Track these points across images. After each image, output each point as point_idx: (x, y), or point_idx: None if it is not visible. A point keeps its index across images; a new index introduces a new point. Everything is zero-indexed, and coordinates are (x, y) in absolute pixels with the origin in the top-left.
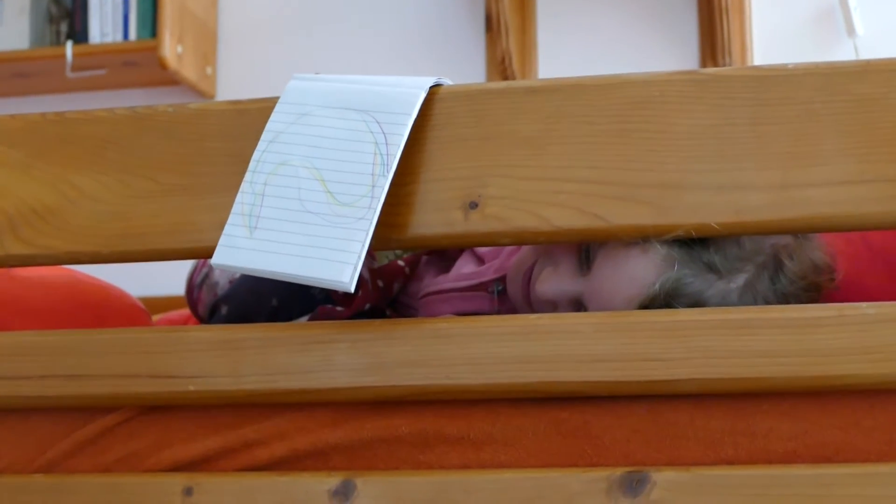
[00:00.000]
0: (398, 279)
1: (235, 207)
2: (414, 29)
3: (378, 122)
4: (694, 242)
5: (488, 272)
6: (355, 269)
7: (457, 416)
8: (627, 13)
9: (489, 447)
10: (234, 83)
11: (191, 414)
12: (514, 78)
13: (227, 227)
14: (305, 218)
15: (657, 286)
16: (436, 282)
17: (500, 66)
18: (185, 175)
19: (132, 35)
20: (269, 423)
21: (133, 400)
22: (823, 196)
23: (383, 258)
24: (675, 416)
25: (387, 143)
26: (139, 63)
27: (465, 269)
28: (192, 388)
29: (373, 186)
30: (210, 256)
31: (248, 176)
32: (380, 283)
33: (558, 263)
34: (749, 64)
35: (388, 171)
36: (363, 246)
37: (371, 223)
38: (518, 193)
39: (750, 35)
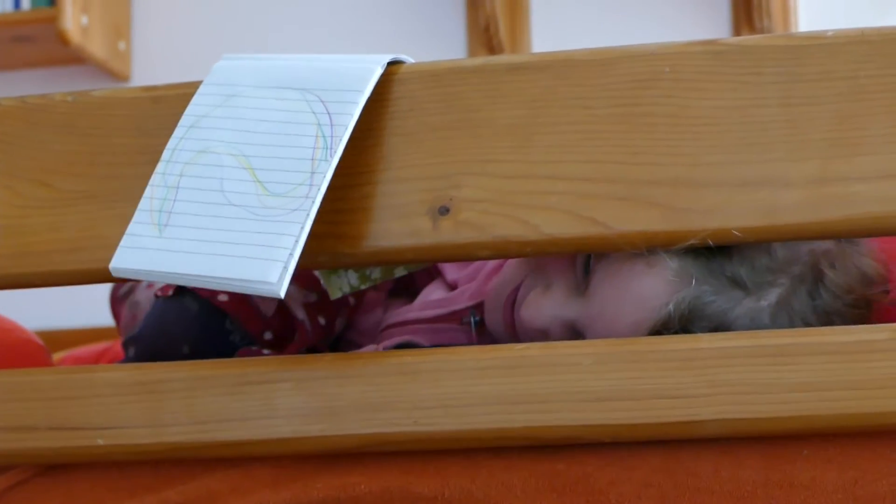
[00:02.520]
0: (342, 313)
1: (143, 203)
2: None
3: (322, 102)
4: (713, 252)
5: (461, 298)
6: (285, 268)
7: (428, 472)
8: None
9: None
10: (153, 62)
11: (101, 474)
12: (500, 49)
13: (130, 225)
14: (228, 212)
15: (670, 307)
16: (397, 313)
17: (483, 34)
18: (90, 179)
19: (25, 3)
20: (197, 483)
21: (29, 458)
22: (870, 192)
23: (336, 289)
24: (695, 465)
25: (332, 124)
26: (34, 38)
27: (433, 296)
28: (101, 441)
29: (312, 173)
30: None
31: (160, 167)
32: (321, 321)
33: (549, 283)
34: (794, 25)
35: (331, 156)
36: (297, 241)
37: (309, 214)
38: (498, 195)
39: None
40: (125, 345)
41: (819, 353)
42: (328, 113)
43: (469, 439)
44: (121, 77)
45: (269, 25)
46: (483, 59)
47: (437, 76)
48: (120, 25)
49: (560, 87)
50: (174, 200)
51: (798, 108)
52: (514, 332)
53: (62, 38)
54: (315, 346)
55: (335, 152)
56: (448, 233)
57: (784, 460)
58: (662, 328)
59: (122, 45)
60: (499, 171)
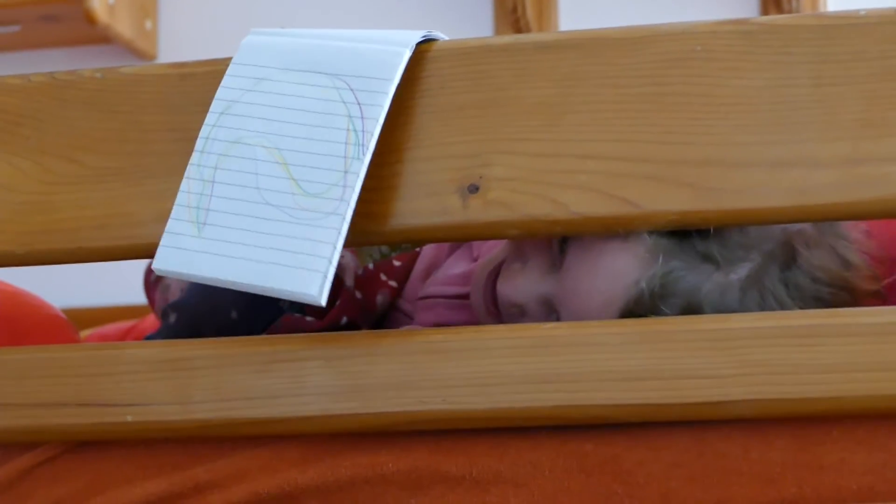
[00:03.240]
0: (382, 292)
1: (180, 198)
2: None
3: (351, 90)
4: (689, 231)
5: None
6: (325, 278)
7: (456, 451)
8: None
9: (496, 488)
10: (179, 40)
11: (129, 451)
12: (528, 30)
13: (170, 222)
14: (264, 212)
15: (642, 284)
16: (429, 282)
17: (510, 15)
18: (119, 156)
19: None
20: (226, 461)
21: (58, 434)
22: None
23: (366, 257)
24: (724, 446)
25: (362, 117)
26: (61, 17)
27: (455, 269)
28: (130, 418)
29: (345, 173)
30: (151, 255)
31: (195, 157)
32: (358, 295)
33: (526, 259)
34: (823, 9)
35: (363, 154)
36: (335, 249)
37: (344, 219)
38: (528, 174)
39: None
40: (164, 312)
41: (849, 334)
42: (358, 103)
43: (497, 418)
44: (147, 56)
45: (296, 4)
46: (513, 38)
47: (467, 54)
48: (146, 4)
49: (590, 66)
50: (211, 196)
51: (829, 88)
52: (494, 311)
53: (89, 17)
54: (354, 320)
55: (367, 149)
56: (477, 211)
57: (813, 441)
58: (635, 305)
59: (148, 25)
60: (529, 149)
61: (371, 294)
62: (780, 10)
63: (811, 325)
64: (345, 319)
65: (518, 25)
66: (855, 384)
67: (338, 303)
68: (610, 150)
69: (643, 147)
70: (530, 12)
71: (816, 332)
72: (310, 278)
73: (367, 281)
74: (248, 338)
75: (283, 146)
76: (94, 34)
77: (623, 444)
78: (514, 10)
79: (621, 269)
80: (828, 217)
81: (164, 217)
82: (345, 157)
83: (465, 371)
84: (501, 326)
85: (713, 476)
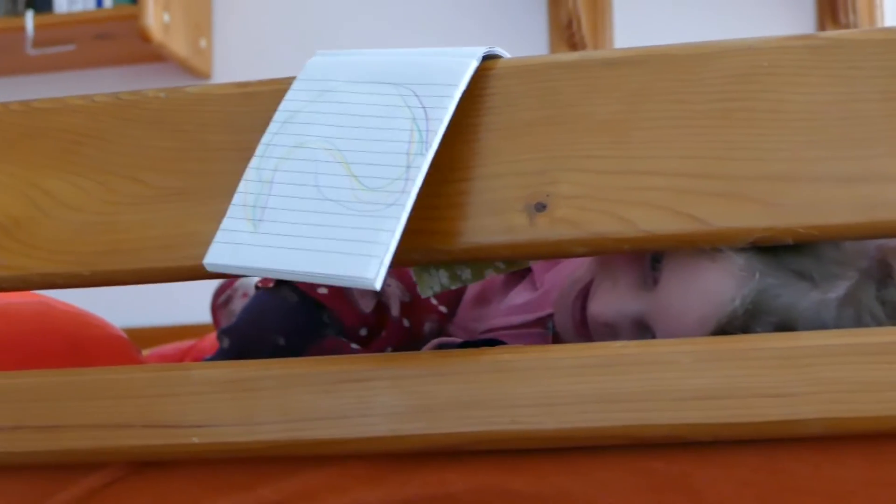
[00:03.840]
0: (430, 318)
1: (237, 198)
2: None
3: (417, 96)
4: (779, 247)
5: (546, 303)
6: (382, 263)
7: (524, 469)
8: None
9: None
10: (234, 59)
11: (195, 472)
12: (583, 46)
13: (225, 220)
14: (323, 206)
15: (737, 302)
16: (486, 314)
17: (565, 31)
18: (183, 175)
19: (107, 1)
20: (292, 481)
21: (123, 456)
22: None
23: (427, 288)
24: (795, 465)
25: (427, 118)
26: (116, 35)
27: (517, 300)
28: (195, 439)
29: (408, 167)
30: (213, 274)
31: (254, 162)
32: (406, 324)
33: (618, 279)
34: (879, 24)
35: (427, 150)
36: (394, 236)
37: (405, 209)
38: (595, 191)
39: None
40: (219, 336)
41: None
42: (423, 107)
43: (566, 438)
44: (201, 74)
45: (349, 22)
46: (579, 54)
47: (532, 71)
48: (201, 23)
49: (657, 82)
50: (268, 195)
51: None
52: (583, 332)
53: (144, 36)
54: (397, 348)
55: (430, 146)
56: (544, 229)
57: (885, 459)
58: (727, 323)
59: (202, 43)
60: (595, 166)
61: (419, 321)
62: (836, 22)
63: (884, 343)
64: (389, 350)
65: (573, 41)
66: None
67: (383, 333)
68: (677, 166)
69: (711, 163)
70: (585, 27)
71: (889, 349)
72: (366, 263)
73: (415, 307)
74: (315, 358)
75: (345, 147)
76: (148, 52)
77: (693, 462)
78: (570, 25)
79: (717, 286)
80: None
81: None
82: (407, 153)
83: (534, 390)
84: (570, 346)
85: (784, 495)
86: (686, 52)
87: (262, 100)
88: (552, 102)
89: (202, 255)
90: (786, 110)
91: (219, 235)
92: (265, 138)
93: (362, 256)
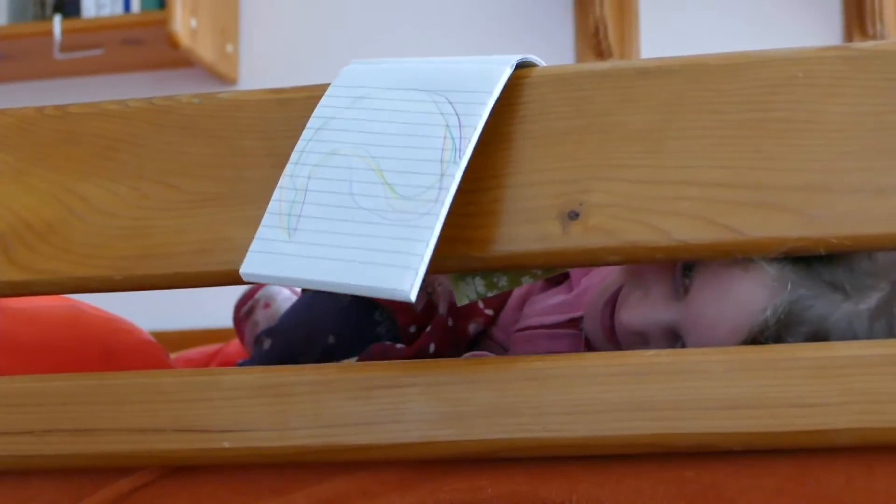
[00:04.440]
0: (476, 320)
1: (272, 206)
2: None
3: (450, 103)
4: (811, 257)
5: (579, 305)
6: (417, 274)
7: (555, 477)
8: None
9: None
10: (260, 64)
11: (227, 476)
12: (609, 54)
13: (260, 229)
14: (357, 215)
15: (768, 312)
16: (524, 315)
17: (592, 38)
18: (217, 181)
19: (135, 6)
20: (325, 486)
21: (155, 459)
22: None
23: (463, 296)
24: (828, 475)
25: (460, 126)
26: (144, 40)
27: (553, 300)
28: (227, 444)
29: (441, 175)
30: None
31: (288, 169)
32: (450, 323)
33: (648, 287)
34: None
35: (460, 158)
36: (428, 246)
37: (438, 218)
38: (629, 200)
39: None
40: (258, 339)
41: None
42: (456, 114)
43: (598, 446)
44: (228, 80)
45: (377, 28)
46: (612, 64)
47: (566, 80)
48: (228, 28)
49: (691, 92)
50: (303, 203)
51: None
52: (612, 338)
53: (171, 41)
54: (440, 350)
55: (464, 153)
56: (578, 238)
57: None
58: (759, 333)
59: (229, 48)
60: (629, 175)
61: (464, 322)
62: (864, 32)
63: None
64: (433, 347)
65: (600, 48)
66: None
67: (428, 329)
68: (712, 176)
69: (745, 173)
70: (612, 35)
71: None
72: (402, 275)
73: (462, 308)
74: (347, 364)
75: (379, 154)
76: (176, 58)
77: (725, 471)
78: (596, 33)
79: (749, 296)
80: None
81: None
82: (441, 161)
83: (566, 398)
84: (602, 354)
85: None
86: (720, 62)
87: (296, 106)
88: (586, 111)
89: (235, 261)
90: (821, 121)
91: (254, 244)
92: (299, 145)
93: (398, 268)
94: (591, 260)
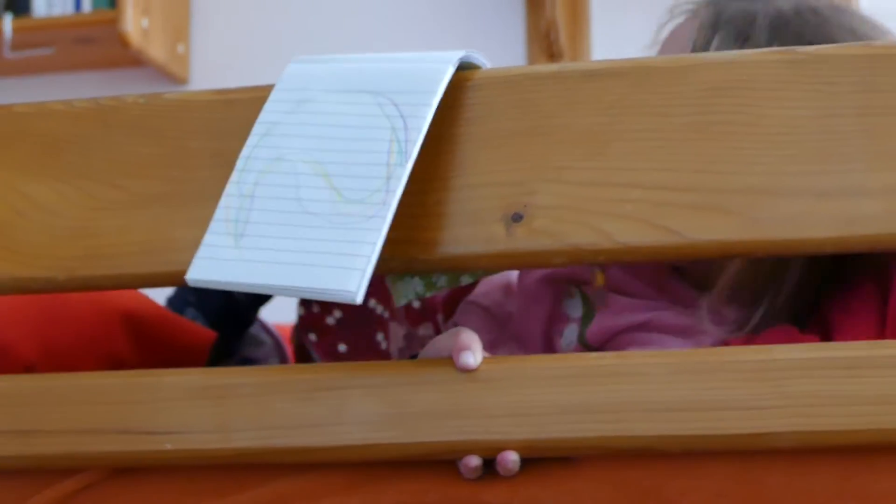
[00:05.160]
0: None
1: (218, 213)
2: None
3: (395, 104)
4: None
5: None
6: (364, 275)
7: (497, 480)
8: None
9: None
10: (212, 64)
11: (170, 478)
12: (560, 55)
13: (206, 235)
14: (304, 220)
15: None
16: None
17: (543, 40)
18: (162, 181)
19: (86, 5)
20: (268, 488)
21: (97, 461)
22: None
23: (401, 296)
24: (768, 476)
25: (406, 128)
26: (95, 39)
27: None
28: (169, 446)
29: (388, 179)
30: None
31: (234, 175)
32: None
33: None
34: None
35: (406, 161)
36: (375, 248)
37: (385, 221)
38: (573, 202)
39: None
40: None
41: (892, 365)
42: (401, 116)
43: (540, 448)
44: (179, 80)
45: (325, 28)
46: (558, 66)
47: (511, 82)
48: (179, 28)
49: (636, 95)
50: (249, 210)
51: (876, 118)
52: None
53: (123, 41)
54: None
55: (410, 156)
56: (522, 240)
57: (859, 472)
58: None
59: (181, 48)
60: (574, 178)
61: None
62: None
63: (854, 357)
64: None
65: (551, 50)
66: None
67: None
68: (655, 179)
69: (688, 176)
70: (564, 37)
71: (860, 363)
72: (348, 276)
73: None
74: (290, 366)
75: (325, 160)
76: (127, 57)
77: (666, 473)
78: (548, 34)
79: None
80: (875, 247)
81: None
82: (387, 164)
83: (508, 400)
84: (545, 356)
85: None
86: (665, 65)
87: (242, 107)
88: (531, 113)
89: (181, 261)
90: (764, 124)
91: (201, 251)
92: (245, 151)
93: (343, 269)
94: (535, 262)
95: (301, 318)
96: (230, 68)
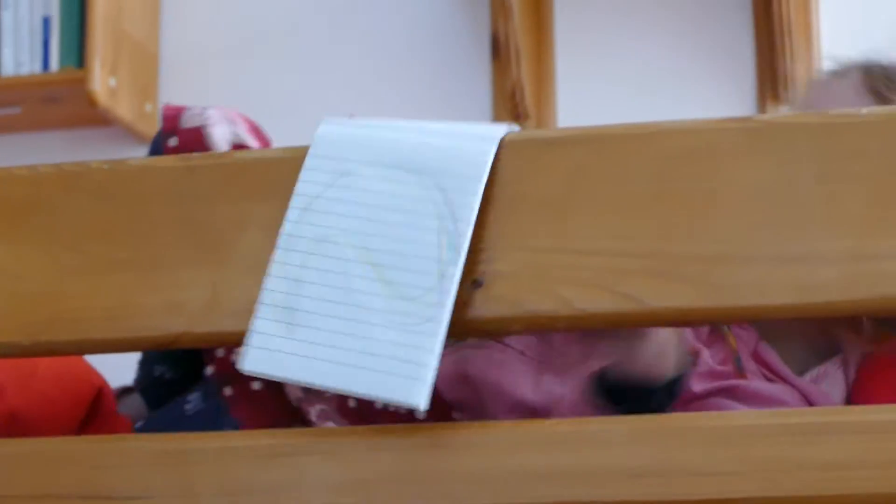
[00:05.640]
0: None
1: (265, 296)
2: (402, 51)
3: (440, 189)
4: None
5: None
6: (426, 385)
7: None
8: (667, 33)
9: None
10: None
11: None
12: (526, 116)
13: (256, 321)
14: (357, 314)
15: None
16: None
17: (509, 100)
18: (126, 247)
19: (54, 64)
20: None
21: None
22: None
23: None
24: None
25: (454, 219)
26: (62, 98)
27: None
28: None
29: (441, 276)
30: (157, 346)
31: (278, 255)
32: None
33: None
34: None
35: (458, 258)
36: (435, 356)
37: (443, 325)
38: (532, 269)
39: (818, 61)
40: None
41: (852, 431)
42: (447, 203)
43: None
44: (147, 138)
45: (297, 91)
46: (520, 134)
47: None
48: (147, 87)
49: (596, 162)
50: (298, 296)
51: (832, 185)
52: None
53: (90, 100)
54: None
55: (461, 252)
56: (482, 307)
57: None
58: None
59: (148, 107)
60: (533, 245)
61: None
62: (776, 96)
63: (814, 423)
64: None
65: (517, 111)
66: (859, 482)
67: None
68: (614, 246)
69: (647, 243)
70: (529, 98)
71: (819, 429)
72: (411, 386)
73: None
74: (251, 431)
75: (372, 246)
76: (94, 116)
77: None
78: (513, 94)
79: None
80: (831, 313)
81: (171, 308)
82: (439, 260)
83: (470, 466)
84: (506, 423)
85: None
86: (625, 133)
87: (205, 173)
88: (492, 180)
89: (144, 327)
90: (722, 192)
91: (253, 339)
92: (286, 227)
93: (409, 379)
94: (495, 329)
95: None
96: None
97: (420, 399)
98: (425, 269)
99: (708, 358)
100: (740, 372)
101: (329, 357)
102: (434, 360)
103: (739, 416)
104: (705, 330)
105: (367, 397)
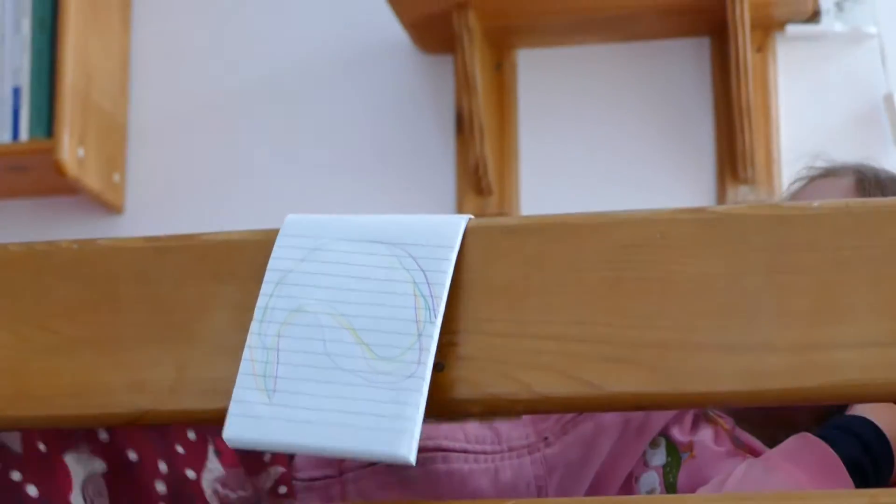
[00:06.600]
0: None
1: (244, 366)
2: (366, 129)
3: (412, 257)
4: None
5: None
6: (413, 438)
7: None
8: (629, 113)
9: None
10: (147, 194)
11: None
12: (490, 191)
13: (236, 391)
14: (338, 377)
15: None
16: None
17: (472, 176)
18: (93, 325)
19: (23, 134)
20: None
21: None
22: (853, 359)
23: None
24: None
25: (428, 283)
26: (30, 168)
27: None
28: None
29: (419, 336)
30: (122, 423)
31: (254, 327)
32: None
33: None
34: (776, 178)
35: (435, 318)
36: (419, 410)
37: (425, 381)
38: (492, 353)
39: (777, 143)
40: None
41: None
42: (421, 269)
43: None
44: (114, 208)
45: (265, 165)
46: (479, 221)
47: None
48: (115, 157)
49: (554, 250)
50: (276, 363)
51: (784, 275)
52: None
53: (58, 169)
54: None
55: (437, 312)
56: (442, 389)
57: None
58: None
59: (116, 177)
60: (492, 329)
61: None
62: (735, 176)
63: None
64: None
65: (480, 186)
66: None
67: None
68: (571, 331)
69: (602, 329)
70: (492, 173)
71: None
72: (397, 440)
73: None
74: None
75: (349, 312)
76: (62, 185)
77: None
78: (476, 170)
79: None
80: (781, 402)
81: (136, 387)
82: (416, 320)
83: None
84: None
85: None
86: (581, 222)
87: (174, 255)
88: (454, 265)
89: (110, 404)
90: (675, 280)
91: (234, 408)
92: (261, 301)
93: (394, 433)
94: (455, 412)
95: None
96: (166, 197)
97: (404, 451)
98: (403, 329)
99: (710, 443)
100: (740, 449)
101: (311, 419)
102: (418, 414)
103: (692, 499)
104: (688, 421)
105: (352, 457)
